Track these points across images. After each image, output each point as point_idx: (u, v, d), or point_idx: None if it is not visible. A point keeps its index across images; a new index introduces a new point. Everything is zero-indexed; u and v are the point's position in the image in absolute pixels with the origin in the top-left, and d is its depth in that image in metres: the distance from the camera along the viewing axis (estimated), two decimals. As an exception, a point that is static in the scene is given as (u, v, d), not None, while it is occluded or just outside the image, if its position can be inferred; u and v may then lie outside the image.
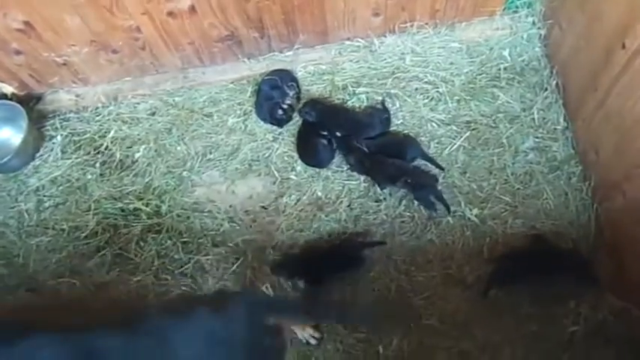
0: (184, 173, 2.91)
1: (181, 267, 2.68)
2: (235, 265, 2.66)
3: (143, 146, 2.97)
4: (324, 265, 2.58)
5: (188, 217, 2.81)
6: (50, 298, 2.69)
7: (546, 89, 2.82)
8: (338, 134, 2.78)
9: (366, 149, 2.73)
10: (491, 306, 2.48)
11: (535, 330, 2.39)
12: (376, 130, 2.81)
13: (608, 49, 2.15)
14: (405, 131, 2.84)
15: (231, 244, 2.71)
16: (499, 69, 2.92)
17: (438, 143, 2.81)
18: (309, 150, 2.84)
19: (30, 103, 3.04)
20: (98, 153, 2.98)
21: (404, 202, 2.70)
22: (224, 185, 2.87)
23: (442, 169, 2.72)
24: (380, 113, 2.86)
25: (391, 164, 2.69)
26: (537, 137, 2.76)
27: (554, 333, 2.37)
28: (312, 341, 2.49)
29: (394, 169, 2.68)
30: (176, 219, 2.80)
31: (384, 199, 2.72)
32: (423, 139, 2.81)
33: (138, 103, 3.09)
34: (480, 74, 2.93)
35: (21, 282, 2.73)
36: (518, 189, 2.67)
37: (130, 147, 2.99)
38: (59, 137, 3.03)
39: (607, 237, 2.43)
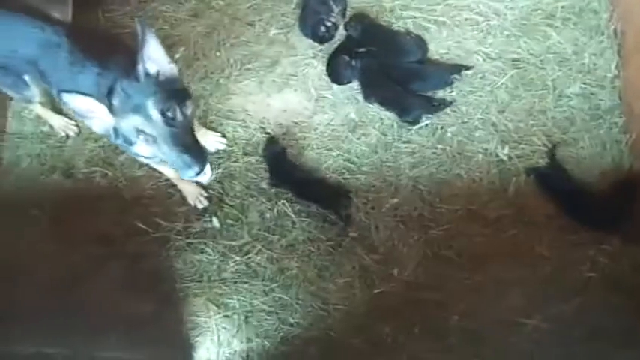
0: (221, 80, 2.91)
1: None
2: (263, 175, 2.72)
3: (182, 48, 2.96)
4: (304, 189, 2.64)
5: (221, 124, 2.84)
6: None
7: (602, 33, 2.71)
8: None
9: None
10: (509, 245, 2.51)
11: (549, 272, 2.43)
12: (414, 57, 2.76)
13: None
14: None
15: (261, 155, 2.75)
16: (556, 7, 2.80)
17: (481, 78, 2.74)
18: (333, 64, 2.81)
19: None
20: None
21: (438, 133, 2.68)
22: (259, 96, 2.87)
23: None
24: (420, 41, 2.79)
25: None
26: (584, 83, 2.68)
27: (568, 277, 2.40)
28: (199, 205, 2.66)
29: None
30: (209, 125, 2.83)
31: (420, 128, 2.70)
32: (467, 72, 2.74)
33: (181, 3, 3.05)
34: (536, 10, 2.81)
35: (56, 165, 2.83)
36: (555, 133, 2.62)
37: (170, 47, 2.96)
38: (101, 29, 3.01)
39: (637, 188, 2.40)
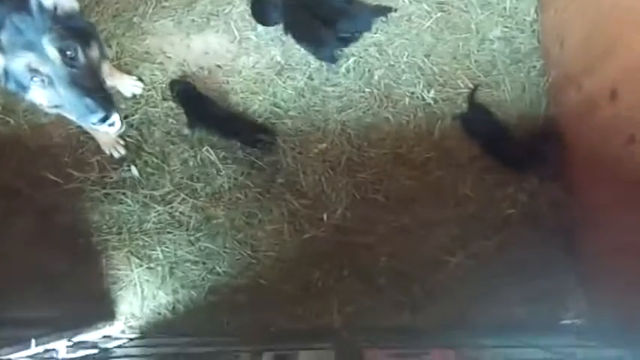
0: (135, 19, 2.69)
1: (126, 117, 2.55)
2: (187, 132, 2.57)
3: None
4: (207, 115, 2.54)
5: (137, 67, 2.64)
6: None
7: (523, -23, 2.75)
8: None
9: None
10: (435, 187, 2.55)
11: (472, 211, 2.50)
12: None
13: None
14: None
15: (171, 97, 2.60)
16: (478, -50, 2.79)
17: (407, 21, 2.70)
18: (259, 4, 2.67)
19: None
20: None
21: (365, 77, 2.64)
22: (178, 37, 2.69)
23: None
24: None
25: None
26: (505, 27, 2.71)
27: (490, 216, 2.49)
28: (116, 154, 2.53)
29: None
30: (123, 67, 2.62)
31: (347, 72, 2.64)
32: (393, 14, 2.70)
33: None
34: (459, -47, 2.79)
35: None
36: (479, 76, 2.66)
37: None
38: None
39: (555, 131, 2.50)
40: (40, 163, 2.52)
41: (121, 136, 2.53)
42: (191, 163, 2.54)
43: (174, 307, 2.42)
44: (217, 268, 2.44)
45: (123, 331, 2.45)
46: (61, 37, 1.71)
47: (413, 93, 2.64)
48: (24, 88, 1.76)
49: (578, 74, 2.28)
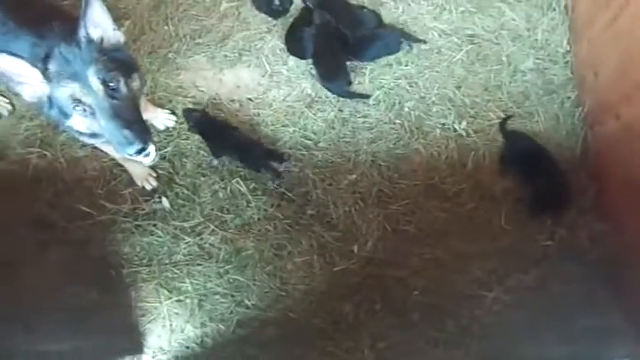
0: (170, 55, 2.77)
1: (159, 149, 2.58)
2: (216, 162, 2.58)
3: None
4: (225, 141, 2.54)
5: (170, 101, 2.69)
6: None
7: (554, 9, 2.75)
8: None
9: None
10: (469, 219, 2.49)
11: (508, 244, 2.42)
12: (370, 26, 2.73)
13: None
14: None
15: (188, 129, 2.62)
16: (509, -17, 2.82)
17: (437, 54, 2.73)
18: (296, 39, 2.72)
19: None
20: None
21: (395, 108, 2.64)
22: (211, 72, 2.75)
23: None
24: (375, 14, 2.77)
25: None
26: (538, 58, 2.70)
27: (527, 249, 2.40)
28: (147, 186, 2.54)
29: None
30: (157, 101, 2.68)
31: (377, 103, 2.65)
32: (423, 47, 2.72)
33: (125, -25, 2.88)
34: (489, -13, 2.82)
35: (-12, 146, 2.61)
36: (511, 107, 2.63)
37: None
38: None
39: (592, 162, 2.44)
40: (74, 195, 2.55)
41: (152, 168, 2.55)
42: (221, 195, 2.54)
43: (202, 341, 2.37)
44: (246, 301, 2.39)
45: (151, 365, 2.41)
46: (106, 69, 1.75)
47: (444, 124, 2.62)
48: (66, 115, 1.81)
49: (615, 103, 2.24)
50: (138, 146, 1.79)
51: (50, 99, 1.80)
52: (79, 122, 1.82)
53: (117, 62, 1.80)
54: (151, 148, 1.87)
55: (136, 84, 1.89)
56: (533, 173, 2.45)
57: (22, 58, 1.70)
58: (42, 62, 1.73)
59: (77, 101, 1.75)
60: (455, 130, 2.60)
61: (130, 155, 1.83)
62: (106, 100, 1.75)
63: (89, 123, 1.81)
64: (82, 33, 1.74)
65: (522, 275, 2.35)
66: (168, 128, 2.63)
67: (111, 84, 1.77)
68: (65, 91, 1.74)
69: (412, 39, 2.70)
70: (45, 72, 1.73)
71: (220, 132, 2.55)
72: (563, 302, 2.29)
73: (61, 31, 1.82)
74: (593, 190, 2.39)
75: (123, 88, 1.80)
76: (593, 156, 2.45)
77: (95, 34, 1.77)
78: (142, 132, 1.82)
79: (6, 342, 2.26)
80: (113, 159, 2.51)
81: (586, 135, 2.54)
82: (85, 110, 1.77)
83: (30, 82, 1.76)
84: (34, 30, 1.86)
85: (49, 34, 1.83)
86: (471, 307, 2.34)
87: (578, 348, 2.27)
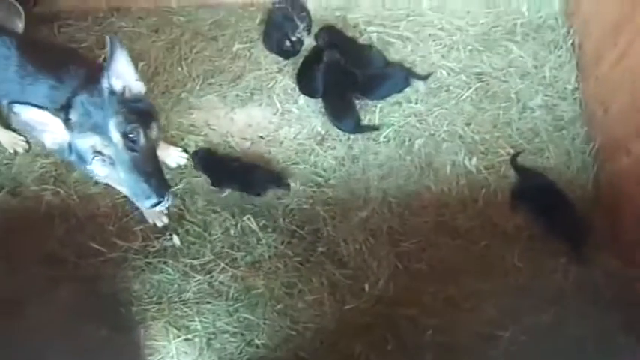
0: (183, 94, 2.82)
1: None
2: (227, 192, 2.60)
3: (142, 62, 2.86)
4: (226, 172, 2.58)
5: (182, 139, 2.73)
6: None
7: (561, 47, 2.78)
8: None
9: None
10: (481, 256, 2.46)
11: (523, 282, 2.38)
12: (378, 65, 2.77)
13: (635, 1, 2.10)
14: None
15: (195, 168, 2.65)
16: (515, 23, 2.87)
17: (446, 91, 2.75)
18: (307, 78, 2.76)
19: (28, 3, 2.89)
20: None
21: (405, 145, 2.65)
22: (223, 111, 2.79)
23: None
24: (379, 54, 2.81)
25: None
26: (546, 95, 2.72)
27: (542, 287, 2.36)
28: (159, 223, 2.56)
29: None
30: (169, 139, 2.71)
31: (387, 141, 2.66)
32: (432, 86, 2.76)
33: (141, 18, 2.97)
34: (496, 26, 2.87)
35: (3, 183, 2.64)
36: (521, 144, 2.64)
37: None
38: (56, 44, 2.90)
39: (605, 198, 2.42)
40: (86, 231, 2.56)
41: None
42: (232, 232, 2.54)
43: (210, 381, 2.34)
44: (256, 340, 2.36)
45: (158, 407, 2.36)
46: (126, 122, 1.76)
47: (454, 161, 2.63)
48: (85, 162, 1.82)
49: (626, 139, 2.24)
50: (155, 201, 1.81)
51: (70, 146, 1.82)
52: (98, 169, 1.84)
53: (137, 113, 1.82)
54: (167, 201, 1.88)
55: (154, 133, 1.90)
56: (545, 210, 2.42)
57: (46, 109, 1.72)
58: (63, 112, 1.75)
59: (98, 153, 1.77)
60: (465, 167, 2.60)
61: (147, 208, 1.83)
62: (125, 152, 1.77)
63: (108, 172, 1.83)
64: (104, 84, 1.76)
65: (538, 314, 2.29)
66: (180, 166, 2.66)
67: (131, 136, 1.78)
68: (86, 142, 1.76)
69: (419, 76, 2.74)
70: (67, 122, 1.75)
71: (219, 163, 2.60)
72: (580, 343, 2.22)
73: (80, 75, 1.87)
74: (607, 227, 2.35)
75: (142, 140, 1.81)
76: (606, 192, 2.43)
77: (118, 85, 1.80)
78: (160, 186, 1.83)
79: (14, 380, 2.25)
80: (125, 196, 2.53)
81: (598, 171, 2.53)
82: (104, 161, 1.79)
83: (51, 131, 1.79)
84: (52, 73, 1.90)
85: (68, 78, 1.87)
86: (486, 347, 2.27)
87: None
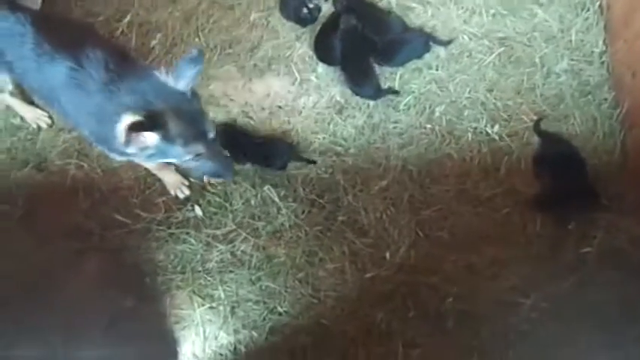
0: (201, 65, 2.80)
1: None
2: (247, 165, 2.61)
3: (160, 34, 2.85)
4: (246, 148, 2.58)
5: (202, 110, 2.73)
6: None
7: (588, 9, 2.69)
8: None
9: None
10: (503, 224, 2.44)
11: (544, 250, 2.37)
12: (397, 31, 2.71)
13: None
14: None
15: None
16: (541, -16, 2.77)
17: (468, 57, 2.70)
18: (325, 45, 2.72)
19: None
20: (113, 38, 2.86)
21: (426, 113, 2.62)
22: (241, 81, 2.77)
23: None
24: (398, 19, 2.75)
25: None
26: (572, 60, 2.65)
27: (564, 254, 2.34)
28: (180, 194, 2.59)
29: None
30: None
31: (407, 108, 2.63)
32: (453, 51, 2.70)
33: (158, -12, 2.95)
34: (521, -12, 2.78)
35: (28, 158, 2.69)
36: (545, 110, 2.58)
37: (146, 34, 2.87)
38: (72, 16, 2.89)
39: (632, 163, 2.37)
40: (110, 204, 2.60)
41: (185, 177, 2.59)
42: (253, 202, 2.55)
43: (235, 348, 2.38)
44: (278, 308, 2.40)
45: (185, 372, 2.44)
46: (209, 121, 1.95)
47: (476, 128, 2.59)
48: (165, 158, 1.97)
49: (655, 103, 2.17)
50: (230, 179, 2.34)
51: (158, 148, 1.85)
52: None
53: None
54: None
55: None
56: (560, 176, 2.39)
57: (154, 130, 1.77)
58: (157, 127, 1.76)
59: (198, 155, 1.92)
60: (487, 134, 2.57)
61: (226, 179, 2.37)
62: (211, 146, 1.96)
63: (189, 164, 1.98)
64: (192, 91, 1.87)
65: (560, 281, 2.28)
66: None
67: (211, 135, 1.94)
68: (190, 151, 1.89)
69: (439, 42, 2.68)
70: (166, 135, 1.80)
71: (240, 139, 2.60)
72: (603, 309, 2.21)
73: (99, 60, 1.86)
74: (633, 193, 2.31)
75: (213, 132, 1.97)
76: (633, 158, 2.37)
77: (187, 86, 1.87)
78: (229, 162, 2.16)
79: (45, 348, 2.33)
80: (147, 168, 2.56)
81: (625, 136, 2.47)
82: (195, 158, 1.94)
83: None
84: (70, 54, 1.89)
85: (87, 62, 1.86)
86: (507, 315, 2.29)
87: (619, 355, 2.20)
